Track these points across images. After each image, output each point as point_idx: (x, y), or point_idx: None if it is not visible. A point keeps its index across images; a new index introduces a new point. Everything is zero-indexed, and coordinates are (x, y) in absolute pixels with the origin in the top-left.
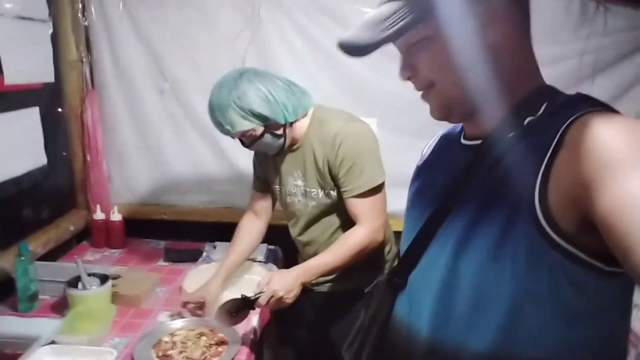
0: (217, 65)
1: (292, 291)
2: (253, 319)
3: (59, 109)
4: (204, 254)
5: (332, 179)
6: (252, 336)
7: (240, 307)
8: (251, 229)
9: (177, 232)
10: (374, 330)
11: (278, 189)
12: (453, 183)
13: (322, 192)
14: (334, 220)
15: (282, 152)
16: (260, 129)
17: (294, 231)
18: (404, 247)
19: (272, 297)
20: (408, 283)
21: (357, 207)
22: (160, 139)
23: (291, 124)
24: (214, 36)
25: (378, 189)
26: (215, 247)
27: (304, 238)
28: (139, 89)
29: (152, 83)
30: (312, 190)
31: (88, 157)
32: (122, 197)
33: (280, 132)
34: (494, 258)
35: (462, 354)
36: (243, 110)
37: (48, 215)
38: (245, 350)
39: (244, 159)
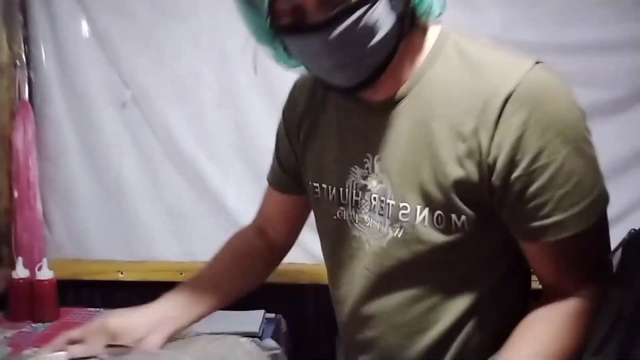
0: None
1: None
2: None
3: None
4: None
5: (477, 192)
6: None
7: None
8: (246, 244)
9: (141, 298)
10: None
11: (319, 191)
12: None
13: (430, 213)
14: (442, 284)
15: (357, 96)
16: None
17: (336, 288)
18: None
19: None
20: None
21: (581, 253)
22: (119, 171)
23: (410, 30)
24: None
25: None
26: None
27: (361, 308)
28: (93, 103)
29: (111, 95)
30: (404, 204)
31: (16, 194)
32: (64, 250)
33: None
34: None
35: None
36: None
37: None
38: None
39: (238, 201)
